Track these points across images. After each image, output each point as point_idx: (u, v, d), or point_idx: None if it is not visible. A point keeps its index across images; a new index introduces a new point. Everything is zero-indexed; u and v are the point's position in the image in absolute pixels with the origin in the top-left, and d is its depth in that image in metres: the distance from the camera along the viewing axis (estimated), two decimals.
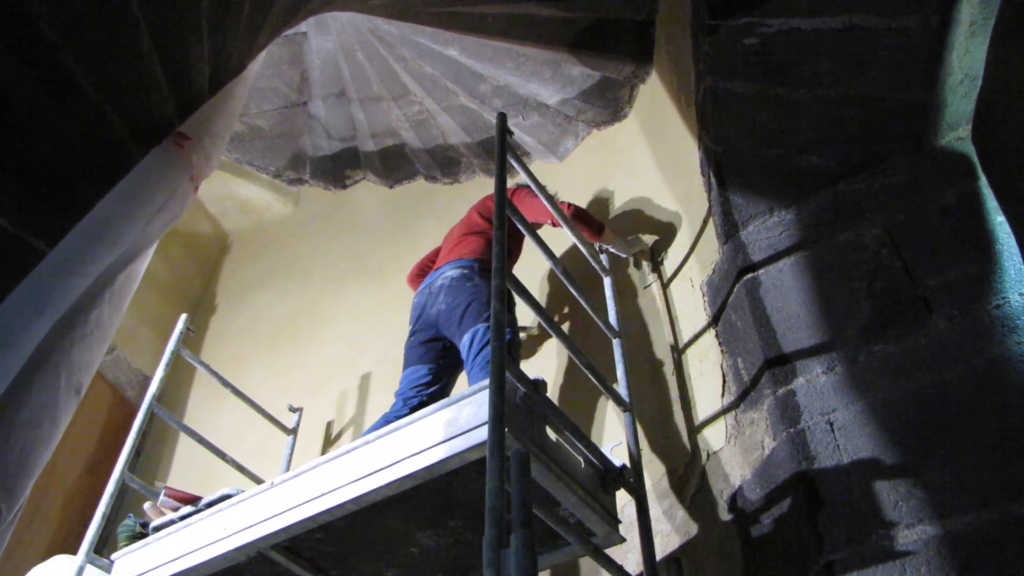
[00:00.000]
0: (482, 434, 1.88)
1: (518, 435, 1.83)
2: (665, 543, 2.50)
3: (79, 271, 1.89)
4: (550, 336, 3.41)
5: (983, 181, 2.36)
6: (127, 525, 3.33)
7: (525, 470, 1.61)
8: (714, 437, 2.60)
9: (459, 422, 1.98)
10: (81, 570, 2.82)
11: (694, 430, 2.71)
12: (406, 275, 3.78)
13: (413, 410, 2.89)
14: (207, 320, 5.40)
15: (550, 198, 2.79)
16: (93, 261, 1.94)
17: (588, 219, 3.32)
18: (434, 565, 2.42)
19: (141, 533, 2.89)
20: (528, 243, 2.89)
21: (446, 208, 4.00)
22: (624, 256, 3.39)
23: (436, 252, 3.72)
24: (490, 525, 1.53)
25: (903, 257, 2.36)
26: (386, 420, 2.88)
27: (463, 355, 2.88)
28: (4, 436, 1.54)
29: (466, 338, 2.86)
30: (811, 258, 2.51)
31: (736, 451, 2.49)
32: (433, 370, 3.11)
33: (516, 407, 1.94)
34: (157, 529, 2.67)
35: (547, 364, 3.11)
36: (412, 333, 3.24)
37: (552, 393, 2.16)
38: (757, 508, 2.31)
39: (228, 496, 2.53)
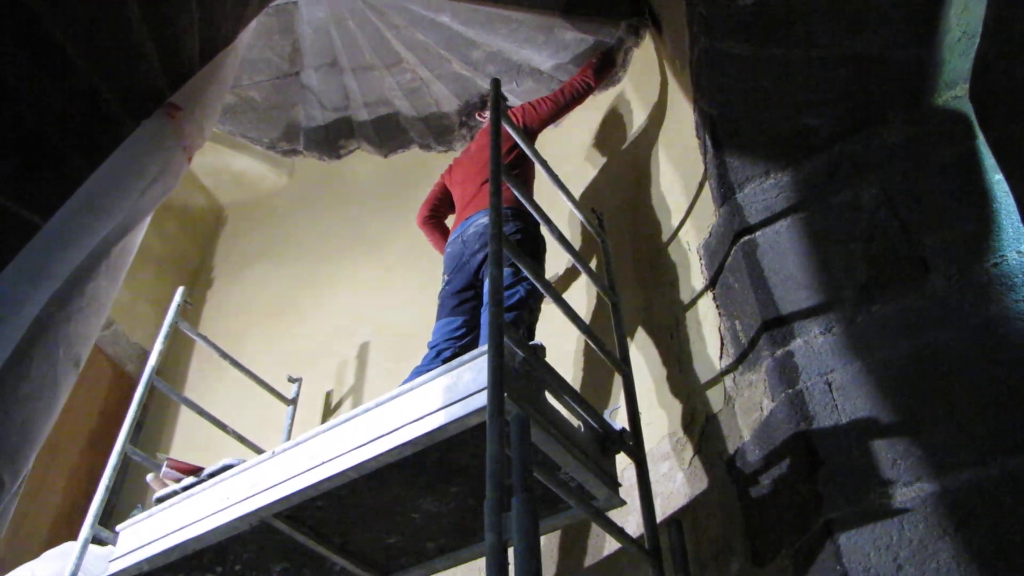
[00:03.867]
0: (481, 399, 1.89)
1: (517, 400, 1.84)
2: (665, 505, 2.52)
3: (74, 244, 1.89)
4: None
5: (981, 139, 2.35)
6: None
7: (525, 434, 1.62)
8: (713, 399, 2.61)
9: (458, 388, 1.99)
10: (86, 542, 2.84)
11: (693, 393, 2.72)
12: (403, 244, 3.78)
13: (445, 362, 2.87)
14: (204, 293, 5.39)
15: (544, 164, 2.78)
16: (88, 233, 1.93)
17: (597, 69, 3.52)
18: (436, 530, 2.44)
19: None
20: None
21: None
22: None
23: (441, 189, 3.73)
24: (491, 489, 1.54)
25: (900, 217, 2.35)
26: (418, 372, 2.88)
27: (484, 299, 2.89)
28: (5, 409, 1.54)
29: (487, 282, 2.88)
30: (808, 220, 2.50)
31: (735, 413, 2.50)
32: (467, 321, 3.09)
33: (515, 372, 1.94)
34: (160, 500, 2.68)
35: (548, 328, 3.11)
36: (446, 283, 3.23)
37: (553, 358, 2.16)
38: (756, 469, 2.32)
39: (230, 466, 2.54)
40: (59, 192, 1.94)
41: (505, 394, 1.75)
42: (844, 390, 2.17)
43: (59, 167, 2.06)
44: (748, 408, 2.44)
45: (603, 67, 3.78)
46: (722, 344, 2.64)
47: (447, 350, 3.00)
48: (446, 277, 3.24)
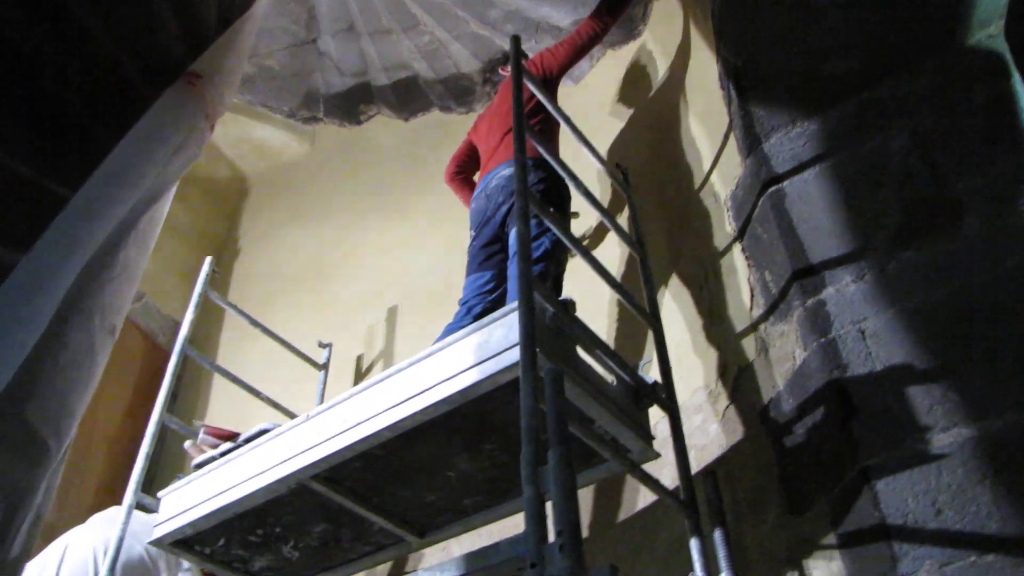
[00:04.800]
0: (514, 355, 1.89)
1: (549, 355, 1.84)
2: (700, 457, 2.53)
3: (103, 214, 1.90)
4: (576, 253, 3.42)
5: (1016, 79, 2.30)
6: None
7: (559, 388, 1.62)
8: (745, 350, 2.61)
9: (490, 345, 1.99)
10: (130, 508, 2.90)
11: (725, 344, 2.71)
12: (427, 206, 3.78)
13: (476, 317, 2.90)
14: (231, 263, 5.43)
15: (568, 120, 2.75)
16: (116, 204, 1.95)
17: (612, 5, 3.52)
18: (472, 488, 2.46)
19: None
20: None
21: (462, 137, 3.96)
22: None
23: (468, 146, 3.72)
24: (527, 443, 1.54)
25: (932, 161, 2.31)
26: (450, 330, 2.87)
27: (509, 252, 2.89)
28: (47, 378, 1.56)
29: (512, 235, 2.87)
30: (836, 167, 2.46)
31: (767, 363, 2.49)
32: (495, 275, 3.08)
33: (546, 328, 1.94)
34: (199, 466, 2.72)
35: (577, 283, 3.11)
36: (473, 238, 3.22)
37: (582, 313, 2.15)
38: (790, 418, 2.32)
39: (266, 431, 2.56)
40: (85, 164, 1.95)
41: (537, 349, 1.75)
42: (877, 337, 2.15)
43: (84, 139, 2.07)
44: (781, 358, 2.43)
45: (618, 3, 3.66)
46: (752, 295, 2.63)
47: (477, 305, 3.00)
48: (473, 232, 3.23)
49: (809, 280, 2.35)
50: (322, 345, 4.09)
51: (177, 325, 4.73)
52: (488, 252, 3.14)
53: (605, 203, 3.51)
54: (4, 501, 1.11)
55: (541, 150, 2.43)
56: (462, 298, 3.12)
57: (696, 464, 2.44)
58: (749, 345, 2.59)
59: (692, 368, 2.80)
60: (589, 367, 2.13)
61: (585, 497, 2.84)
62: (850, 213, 2.37)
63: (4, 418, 1.36)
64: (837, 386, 2.14)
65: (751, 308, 2.63)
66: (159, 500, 2.81)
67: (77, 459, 4.15)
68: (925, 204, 2.26)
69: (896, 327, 2.13)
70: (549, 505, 1.50)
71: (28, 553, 1.34)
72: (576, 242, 2.34)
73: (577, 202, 3.27)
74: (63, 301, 1.73)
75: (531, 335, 1.75)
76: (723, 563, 2.09)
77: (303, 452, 2.30)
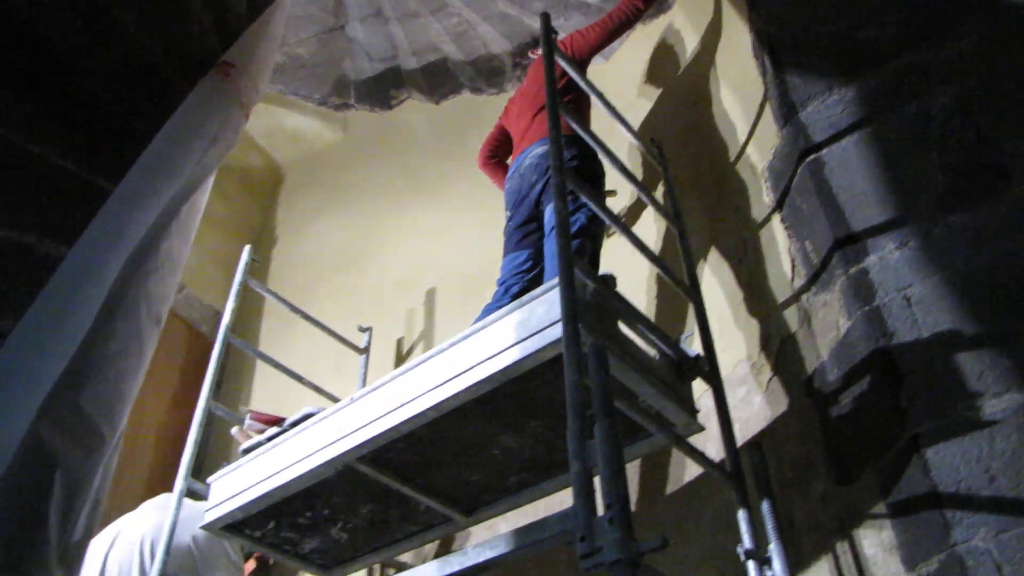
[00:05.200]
0: (556, 332, 1.89)
1: (591, 331, 1.83)
2: (744, 429, 2.51)
3: (144, 205, 1.93)
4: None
5: None
6: None
7: (603, 362, 1.62)
8: (788, 321, 2.59)
9: (531, 322, 1.99)
10: (181, 494, 2.95)
11: (766, 316, 2.69)
12: (461, 188, 3.78)
13: (515, 297, 2.90)
14: (269, 252, 5.49)
15: (600, 95, 2.73)
16: (156, 194, 1.97)
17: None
18: (517, 465, 2.47)
19: None
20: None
21: (494, 118, 3.95)
22: None
23: (500, 130, 3.71)
24: (572, 418, 1.54)
25: (977, 124, 2.26)
26: (488, 310, 2.89)
27: (545, 229, 2.88)
28: (98, 368, 1.59)
29: (548, 213, 2.87)
30: (876, 134, 2.42)
31: (810, 334, 2.47)
32: (532, 254, 3.08)
33: (587, 303, 1.93)
34: (247, 452, 2.76)
35: (614, 260, 3.10)
36: (509, 218, 3.22)
37: (621, 289, 2.15)
38: (835, 389, 2.30)
39: (311, 415, 2.59)
40: (125, 157, 1.98)
41: (579, 325, 1.74)
42: (923, 304, 2.12)
43: (122, 132, 2.10)
44: (824, 328, 2.40)
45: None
46: (793, 266, 2.60)
47: (515, 285, 3.00)
48: (508, 213, 3.23)
49: (851, 248, 2.32)
50: (362, 329, 4.12)
51: (219, 314, 4.79)
52: (524, 232, 3.14)
53: (638, 179, 3.48)
54: (64, 487, 1.13)
55: (574, 125, 2.42)
56: (500, 278, 3.13)
57: (741, 437, 2.43)
58: (791, 316, 2.57)
59: (734, 341, 2.78)
60: (631, 342, 2.12)
61: (630, 473, 2.83)
62: (891, 179, 2.33)
63: (60, 407, 1.39)
64: (883, 354, 2.12)
65: (792, 279, 2.61)
66: (208, 486, 2.85)
67: (127, 448, 4.20)
68: (969, 168, 2.22)
69: (942, 293, 2.10)
70: (596, 481, 1.50)
71: (90, 537, 1.37)
72: (613, 216, 2.33)
73: (613, 180, 3.26)
74: (109, 292, 1.76)
75: (573, 311, 1.75)
76: (771, 534, 2.08)
77: (348, 434, 2.32)
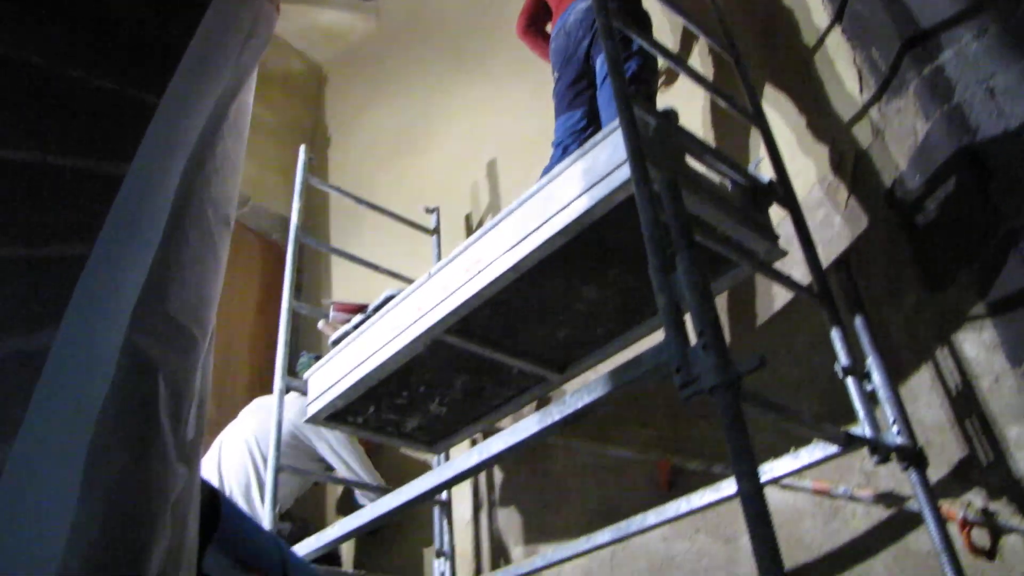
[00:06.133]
0: (624, 173, 1.84)
1: (659, 166, 1.78)
2: (828, 251, 2.45)
3: (192, 111, 1.91)
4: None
5: None
6: (303, 362, 3.56)
7: (676, 194, 1.58)
8: (860, 136, 2.49)
9: (597, 168, 1.94)
10: (281, 392, 3.05)
11: (836, 134, 2.59)
12: (505, 55, 3.68)
13: None
14: (325, 152, 5.50)
15: None
16: (202, 99, 1.95)
17: None
18: (603, 316, 2.47)
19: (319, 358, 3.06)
20: None
21: None
22: None
23: None
24: (653, 254, 1.52)
25: None
26: (547, 171, 2.87)
27: (596, 80, 2.81)
28: (177, 274, 1.61)
29: (598, 61, 2.79)
30: None
31: (886, 144, 2.37)
32: (586, 112, 3.02)
33: (651, 140, 1.88)
34: (336, 343, 2.82)
35: (668, 103, 2.99)
36: (557, 79, 3.15)
37: (686, 125, 2.07)
38: (919, 196, 2.22)
39: (392, 296, 2.62)
40: (164, 67, 1.95)
41: (647, 162, 1.70)
42: (1009, 93, 1.99)
43: (157, 43, 2.06)
44: (900, 136, 2.30)
45: None
46: (860, 77, 2.48)
47: (572, 144, 2.95)
48: (556, 74, 3.14)
49: (922, 47, 2.19)
50: (429, 210, 4.11)
51: (286, 221, 4.85)
52: (576, 90, 3.06)
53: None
54: (169, 389, 1.16)
55: None
56: (555, 140, 3.08)
57: (825, 258, 2.37)
58: (863, 130, 2.47)
59: (805, 165, 2.69)
60: (701, 174, 2.06)
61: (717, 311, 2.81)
62: None
63: (149, 316, 1.41)
64: (968, 152, 2.03)
65: (860, 91, 2.49)
66: (306, 381, 2.94)
67: (223, 362, 4.40)
68: None
69: None
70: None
71: (201, 435, 1.41)
72: (665, 51, 2.24)
73: (659, 15, 3.12)
74: (174, 201, 1.77)
75: (638, 148, 1.70)
76: (867, 349, 2.05)
77: (432, 309, 2.34)
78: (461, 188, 4.20)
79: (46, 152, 1.77)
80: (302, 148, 3.71)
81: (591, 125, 3.00)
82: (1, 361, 1.15)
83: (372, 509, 2.37)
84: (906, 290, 2.26)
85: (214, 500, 1.34)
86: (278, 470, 2.90)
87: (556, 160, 2.97)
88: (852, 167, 2.51)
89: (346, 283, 4.64)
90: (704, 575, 2.49)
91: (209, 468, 3.27)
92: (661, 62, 2.88)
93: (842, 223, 2.52)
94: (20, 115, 1.65)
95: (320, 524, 3.52)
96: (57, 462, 0.83)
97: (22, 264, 1.50)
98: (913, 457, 1.88)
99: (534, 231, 2.06)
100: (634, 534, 2.40)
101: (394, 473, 3.52)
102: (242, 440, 3.37)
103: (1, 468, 0.81)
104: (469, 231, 4.06)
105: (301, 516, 3.74)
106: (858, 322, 2.10)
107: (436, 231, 4.04)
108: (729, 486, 2.14)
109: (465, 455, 1.98)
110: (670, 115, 1.96)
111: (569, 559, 2.58)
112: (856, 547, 2.19)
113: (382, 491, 3.13)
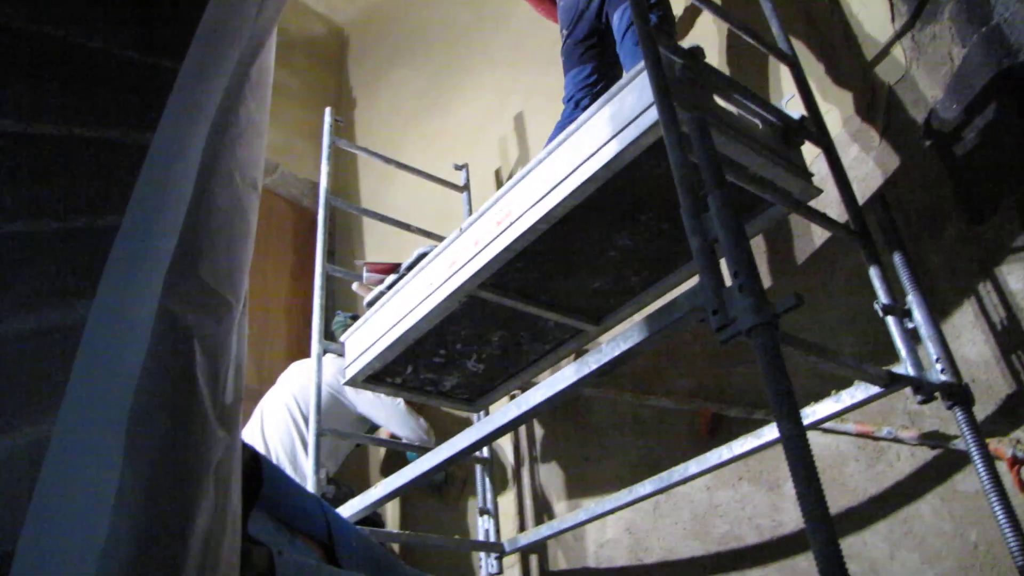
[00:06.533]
0: (651, 116, 1.81)
1: (688, 106, 1.74)
2: (863, 189, 2.40)
3: (213, 74, 1.90)
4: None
5: None
6: (339, 321, 3.57)
7: (705, 133, 1.55)
8: (891, 68, 2.42)
9: (624, 112, 1.91)
10: (319, 356, 3.06)
11: (867, 69, 2.52)
12: (526, 8, 3.62)
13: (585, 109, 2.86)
14: (351, 115, 5.48)
15: None
16: (222, 61, 1.94)
17: None
18: (637, 264, 2.44)
19: (355, 317, 3.07)
20: None
21: None
22: None
23: None
24: (684, 196, 1.49)
25: None
26: (561, 127, 2.86)
27: (616, 36, 2.77)
28: (207, 239, 1.61)
29: (616, 16, 2.76)
30: None
31: (920, 74, 2.31)
32: (596, 68, 3.01)
33: (678, 81, 1.83)
34: (371, 304, 2.82)
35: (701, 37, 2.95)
36: (567, 37, 3.12)
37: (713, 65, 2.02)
38: (957, 125, 2.16)
39: (424, 254, 2.61)
40: (182, 33, 1.95)
41: (674, 103, 1.66)
42: None
43: (173, 8, 2.05)
44: (934, 64, 2.24)
45: None
46: (892, 4, 2.41)
47: (584, 99, 2.94)
48: (565, 32, 3.12)
49: None
50: (458, 167, 4.09)
51: (316, 186, 4.86)
52: (585, 46, 3.05)
53: None
54: (205, 354, 1.16)
55: None
56: (566, 95, 3.07)
57: (861, 196, 2.32)
58: (894, 63, 2.40)
59: (836, 101, 2.63)
60: (730, 114, 2.02)
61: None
62: None
63: (182, 282, 1.41)
64: (1009, 76, 1.96)
65: (892, 20, 2.41)
66: (343, 344, 2.95)
67: (261, 331, 4.45)
68: None
69: None
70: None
71: (240, 399, 1.42)
72: None
73: None
74: (200, 166, 1.77)
75: (665, 89, 1.67)
76: (907, 285, 2.01)
77: (465, 264, 2.33)
78: (489, 143, 4.16)
79: (72, 125, 1.78)
80: (327, 110, 3.69)
81: (602, 80, 2.99)
82: (42, 334, 1.16)
83: (413, 468, 2.38)
84: (946, 223, 2.21)
85: (256, 464, 1.35)
86: (319, 434, 2.92)
87: (568, 115, 2.98)
88: (885, 102, 2.44)
89: (378, 245, 4.64)
90: (748, 523, 2.48)
91: (253, 436, 3.31)
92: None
93: (878, 158, 2.46)
94: (44, 89, 1.65)
95: (364, 486, 3.57)
96: (100, 429, 0.84)
97: (55, 238, 1.51)
98: (958, 395, 1.85)
99: (564, 180, 2.03)
100: (676, 484, 2.39)
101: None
102: (282, 405, 3.40)
103: (48, 437, 0.82)
104: (499, 186, 4.03)
105: (345, 480, 3.78)
106: (897, 259, 2.06)
107: (466, 187, 4.02)
108: (771, 431, 2.12)
109: (504, 409, 1.98)
110: (696, 54, 1.91)
111: (612, 512, 2.58)
112: (901, 489, 2.16)
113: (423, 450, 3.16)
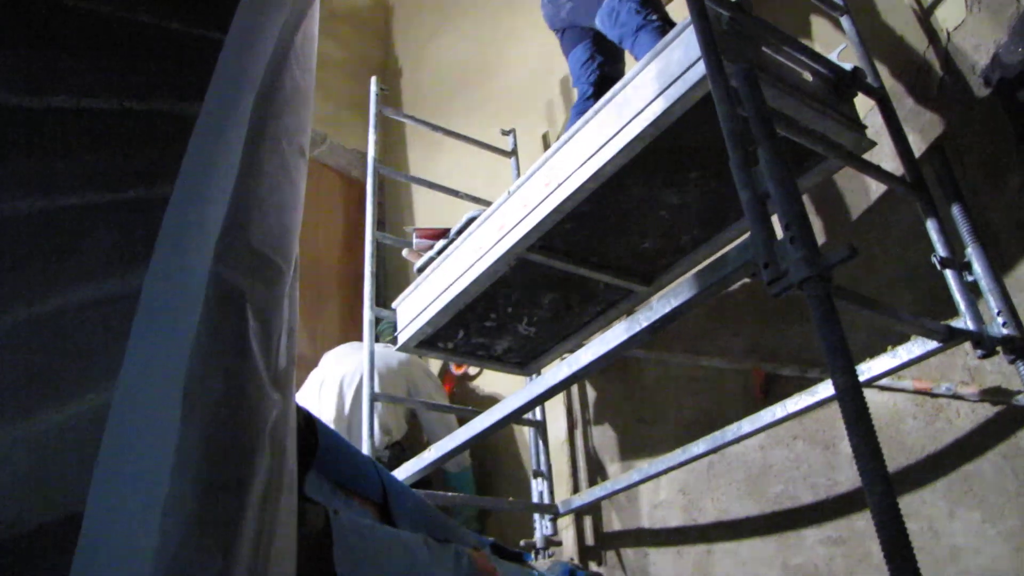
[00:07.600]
0: (698, 71, 1.78)
1: (736, 59, 1.71)
2: (920, 141, 2.33)
3: (257, 42, 1.91)
4: None
5: None
6: (386, 324, 3.60)
7: (754, 85, 1.52)
8: (950, 13, 2.34)
9: (671, 68, 1.88)
10: (371, 323, 3.09)
11: (924, 13, 2.44)
12: None
13: (595, 84, 2.85)
14: (397, 83, 5.49)
15: None
16: (266, 29, 1.95)
17: None
18: (687, 223, 2.42)
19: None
20: None
21: None
22: None
23: None
24: (733, 148, 1.47)
25: None
26: (578, 112, 2.84)
27: (610, 30, 2.68)
28: (257, 206, 1.63)
29: (603, 10, 2.67)
30: None
31: (982, 18, 2.23)
32: (590, 45, 2.98)
33: (725, 33, 1.80)
34: (421, 269, 2.83)
35: None
36: (559, 35, 3.13)
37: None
38: (1022, 69, 2.08)
39: (473, 218, 2.61)
40: (227, 3, 1.96)
41: (721, 57, 1.63)
42: None
43: None
44: (998, 7, 2.16)
45: None
46: None
47: (593, 74, 2.94)
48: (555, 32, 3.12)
49: None
50: (505, 132, 4.07)
51: (364, 156, 4.89)
52: (578, 34, 3.04)
53: None
54: (257, 319, 1.18)
55: None
56: (574, 81, 3.07)
57: (918, 149, 2.26)
58: (955, 7, 2.32)
59: (892, 49, 2.55)
60: (780, 65, 1.98)
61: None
62: None
63: (232, 248, 1.43)
64: None
65: None
66: (394, 311, 2.97)
67: (314, 300, 4.51)
68: None
69: None
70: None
71: (293, 364, 1.43)
72: None
73: None
74: (247, 134, 1.78)
75: (711, 42, 1.64)
76: (967, 238, 1.96)
77: (514, 227, 2.32)
78: (536, 108, 4.14)
79: (122, 98, 1.81)
80: (373, 79, 3.69)
81: (600, 53, 2.97)
82: (101, 303, 1.19)
83: (467, 429, 2.39)
84: (1009, 172, 2.14)
85: (311, 426, 1.37)
86: (374, 399, 2.96)
87: (582, 94, 2.97)
88: (944, 47, 2.37)
89: (427, 212, 4.66)
90: (803, 482, 2.46)
91: (309, 397, 3.37)
92: None
93: (935, 108, 2.39)
94: (94, 64, 1.68)
95: (418, 449, 3.61)
96: (158, 393, 0.86)
97: (109, 210, 1.55)
98: (1021, 349, 1.80)
99: (611, 139, 2.01)
100: (730, 443, 2.38)
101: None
102: (336, 382, 3.44)
103: (109, 402, 0.84)
104: (546, 150, 4.01)
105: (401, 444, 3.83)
106: (956, 211, 2.00)
107: (514, 153, 4.00)
108: (826, 389, 2.09)
109: (555, 369, 1.98)
110: (743, 5, 1.87)
111: (665, 472, 2.58)
112: (962, 447, 2.12)
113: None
